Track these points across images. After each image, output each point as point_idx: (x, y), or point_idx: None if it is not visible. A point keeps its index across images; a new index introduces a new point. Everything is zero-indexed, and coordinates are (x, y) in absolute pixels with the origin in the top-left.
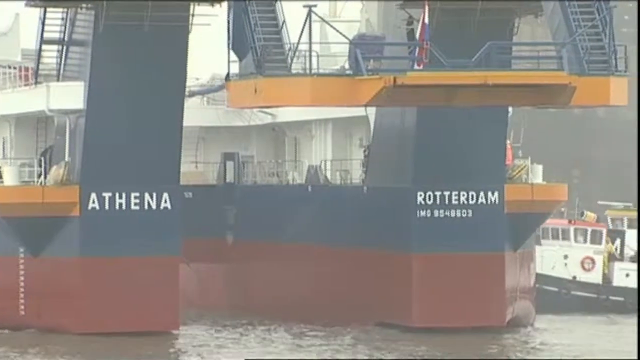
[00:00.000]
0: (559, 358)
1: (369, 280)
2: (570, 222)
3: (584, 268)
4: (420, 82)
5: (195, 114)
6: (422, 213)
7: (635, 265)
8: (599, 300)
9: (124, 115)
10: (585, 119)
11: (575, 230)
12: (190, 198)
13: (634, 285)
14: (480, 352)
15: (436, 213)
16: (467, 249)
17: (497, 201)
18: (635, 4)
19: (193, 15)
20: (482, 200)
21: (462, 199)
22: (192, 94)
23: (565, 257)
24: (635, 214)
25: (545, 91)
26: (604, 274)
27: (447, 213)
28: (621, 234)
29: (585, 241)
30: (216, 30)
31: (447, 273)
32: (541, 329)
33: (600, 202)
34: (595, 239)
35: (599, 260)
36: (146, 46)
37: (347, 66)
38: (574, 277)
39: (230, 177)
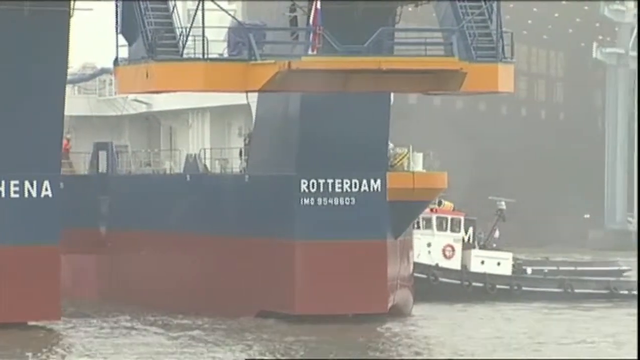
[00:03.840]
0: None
1: (251, 268)
2: (432, 210)
3: (445, 255)
4: (315, 66)
5: (66, 103)
6: (306, 201)
7: (490, 253)
8: (463, 286)
9: (3, 101)
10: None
11: (437, 218)
12: (61, 188)
13: (491, 271)
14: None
15: (320, 201)
16: (350, 237)
17: (379, 189)
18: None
19: None
20: (364, 188)
21: (345, 186)
22: None
23: (429, 245)
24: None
25: (438, 77)
26: (462, 261)
27: (331, 201)
28: (473, 223)
29: (445, 229)
30: (88, 17)
31: (330, 261)
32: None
33: None
34: (454, 227)
35: (458, 247)
36: (26, 31)
37: (225, 53)
38: (437, 265)
39: (103, 167)
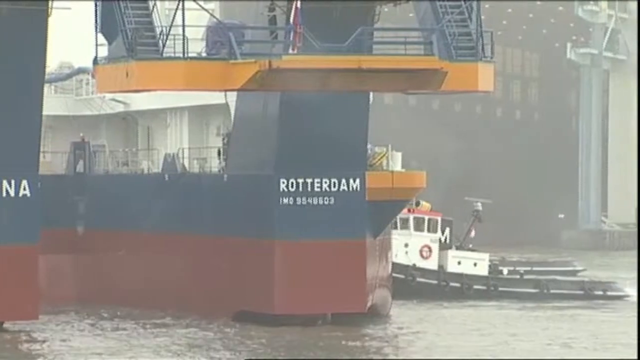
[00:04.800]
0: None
1: (230, 268)
2: (409, 210)
3: (422, 256)
4: (295, 66)
5: (43, 102)
6: (285, 200)
7: (466, 254)
8: (440, 286)
9: None
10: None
11: (414, 219)
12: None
13: (467, 271)
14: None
15: (299, 200)
16: (329, 236)
17: (358, 188)
18: None
19: None
20: (344, 187)
21: (325, 186)
22: None
23: (406, 245)
24: None
25: (418, 76)
26: (439, 262)
27: (310, 200)
28: (450, 223)
29: (423, 230)
30: (65, 17)
31: (309, 260)
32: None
33: None
34: (432, 227)
35: (435, 248)
36: (4, 30)
37: (203, 52)
38: (414, 265)
39: (80, 167)
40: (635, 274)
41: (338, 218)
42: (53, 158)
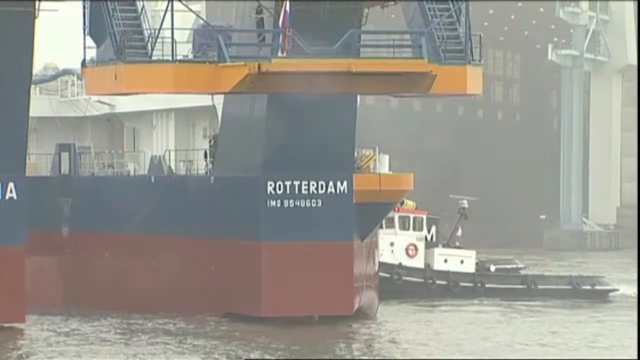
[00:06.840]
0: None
1: (217, 270)
2: (394, 210)
3: (408, 254)
4: (284, 69)
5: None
6: (272, 203)
7: (453, 251)
8: (427, 284)
9: None
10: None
11: (400, 218)
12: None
13: (454, 269)
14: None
15: (286, 203)
16: (316, 239)
17: (346, 191)
18: None
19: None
20: (331, 189)
21: (312, 188)
22: None
23: (392, 244)
24: None
25: (407, 79)
26: (425, 260)
27: (297, 203)
28: (436, 221)
29: (408, 228)
30: (50, 18)
31: (296, 262)
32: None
33: None
34: (417, 226)
35: (421, 246)
36: None
37: (190, 54)
38: (400, 264)
39: (65, 169)
40: (618, 274)
41: (325, 220)
42: (38, 159)
